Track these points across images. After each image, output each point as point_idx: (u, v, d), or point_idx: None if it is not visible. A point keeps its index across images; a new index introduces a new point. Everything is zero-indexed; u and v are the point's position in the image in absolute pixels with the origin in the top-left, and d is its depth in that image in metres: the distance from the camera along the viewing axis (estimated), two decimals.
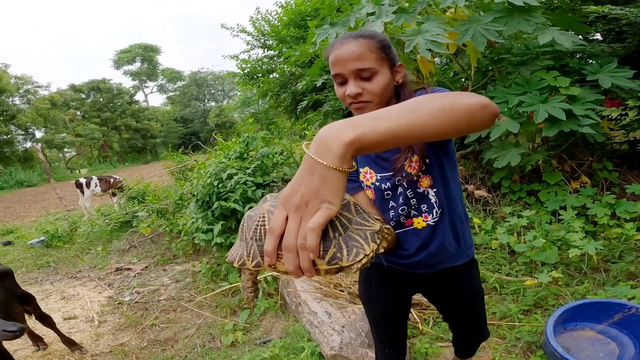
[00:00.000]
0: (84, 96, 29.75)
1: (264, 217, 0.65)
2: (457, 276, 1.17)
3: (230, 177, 3.04)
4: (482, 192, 3.01)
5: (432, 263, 1.11)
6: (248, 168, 3.15)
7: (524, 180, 3.30)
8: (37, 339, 2.61)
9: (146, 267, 4.07)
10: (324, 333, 1.98)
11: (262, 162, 3.31)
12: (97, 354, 2.55)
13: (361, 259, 0.60)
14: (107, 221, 5.39)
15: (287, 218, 0.57)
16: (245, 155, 3.42)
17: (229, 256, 0.74)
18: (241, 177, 3.00)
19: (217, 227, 2.83)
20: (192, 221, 2.98)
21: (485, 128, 0.68)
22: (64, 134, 26.61)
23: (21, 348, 2.65)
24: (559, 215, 2.79)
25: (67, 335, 2.58)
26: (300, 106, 6.24)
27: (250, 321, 2.60)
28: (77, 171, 24.47)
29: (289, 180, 3.14)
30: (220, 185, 3.01)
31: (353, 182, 1.11)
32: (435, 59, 4.23)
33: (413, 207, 1.06)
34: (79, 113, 29.43)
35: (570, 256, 2.35)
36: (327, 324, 1.99)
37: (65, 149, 28.82)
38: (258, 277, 0.81)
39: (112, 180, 8.17)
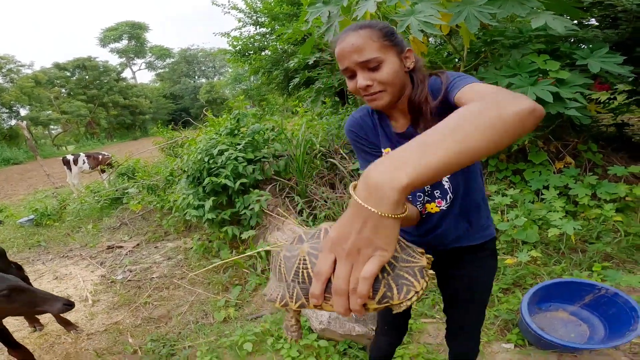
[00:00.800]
0: (68, 74, 29.22)
1: (305, 259, 0.64)
2: (464, 258, 1.15)
3: (221, 153, 3.04)
4: None
5: (441, 243, 1.12)
6: (239, 144, 3.16)
7: (510, 159, 3.37)
8: (33, 320, 2.63)
9: (138, 244, 4.10)
10: (316, 316, 2.06)
11: (253, 139, 3.31)
12: (92, 333, 2.60)
13: (411, 297, 0.61)
14: (96, 198, 5.37)
15: (334, 261, 0.56)
16: (236, 132, 3.41)
17: (267, 295, 0.74)
18: (232, 153, 3.00)
19: (208, 203, 2.86)
20: (183, 197, 2.99)
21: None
22: (49, 112, 26.25)
23: (18, 330, 2.68)
24: (542, 194, 2.88)
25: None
26: (292, 83, 6.17)
27: (242, 297, 2.68)
28: (64, 148, 24.04)
29: (281, 156, 3.12)
30: (211, 161, 3.01)
31: (374, 157, 1.08)
32: (430, 39, 4.19)
33: (427, 194, 1.07)
34: (63, 91, 28.91)
35: (549, 235, 2.45)
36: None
37: (51, 126, 28.36)
38: (299, 315, 0.82)
39: (100, 156, 8.04)
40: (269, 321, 2.26)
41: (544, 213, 2.65)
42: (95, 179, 7.79)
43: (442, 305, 2.22)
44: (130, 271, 3.54)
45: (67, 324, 2.58)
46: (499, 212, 2.69)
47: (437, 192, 1.07)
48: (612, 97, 4.24)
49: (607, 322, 1.89)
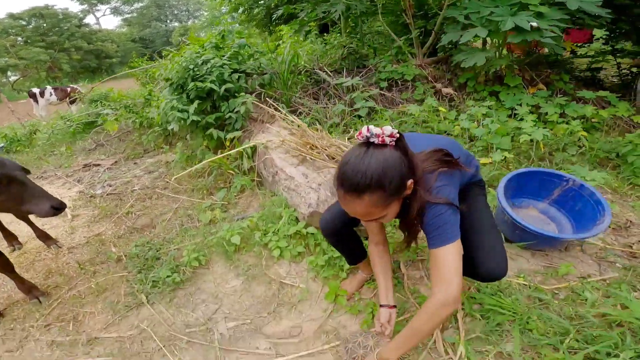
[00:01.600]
0: (24, 23, 27.16)
1: None
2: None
3: (205, 62, 2.97)
4: (448, 90, 3.19)
5: None
6: (224, 56, 3.09)
7: (487, 83, 3.50)
8: (11, 239, 2.55)
9: (116, 162, 4.03)
10: (301, 194, 2.14)
11: (238, 52, 3.24)
12: (73, 246, 2.57)
13: None
14: (68, 123, 5.15)
15: None
16: (221, 46, 3.32)
17: None
18: (217, 61, 2.95)
19: (193, 107, 2.82)
20: (166, 102, 2.94)
21: None
22: (6, 58, 24.57)
23: None
24: (516, 112, 3.04)
25: (42, 229, 2.54)
26: (275, 15, 5.95)
27: (228, 199, 2.74)
28: (25, 93, 22.59)
29: (265, 73, 3.06)
30: (195, 69, 2.95)
31: None
32: None
33: None
34: (20, 39, 27.07)
35: (520, 141, 2.62)
36: (304, 185, 2.15)
37: (9, 72, 26.58)
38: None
39: (68, 88, 7.65)
40: (256, 217, 2.31)
41: (517, 124, 2.81)
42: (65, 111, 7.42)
43: None
44: (110, 185, 3.49)
45: (47, 239, 2.52)
46: (475, 122, 2.83)
47: None
48: (588, 43, 4.42)
49: (574, 220, 2.03)
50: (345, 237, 1.59)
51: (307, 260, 1.99)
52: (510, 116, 3.15)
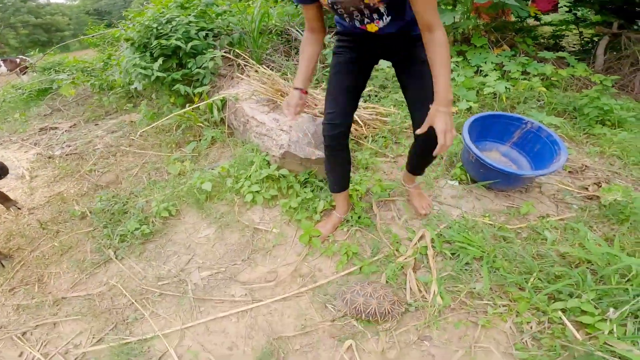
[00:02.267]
0: None
1: None
2: (412, 42, 1.36)
3: (170, 20, 2.81)
4: None
5: (388, 52, 1.44)
6: (190, 15, 2.94)
7: (455, 44, 3.57)
8: None
9: (74, 124, 3.81)
10: (272, 137, 2.12)
11: (205, 11, 3.10)
12: (33, 207, 2.46)
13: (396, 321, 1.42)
14: (20, 91, 4.79)
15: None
16: (186, 5, 3.15)
17: (340, 309, 1.49)
18: (183, 19, 2.80)
19: (157, 63, 2.69)
20: (128, 59, 2.78)
21: None
22: None
23: None
24: (481, 70, 3.12)
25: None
26: None
27: (198, 151, 2.67)
28: None
29: (235, 33, 2.93)
30: (159, 28, 2.78)
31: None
32: None
33: (366, 16, 1.27)
34: None
35: (484, 93, 2.71)
36: (275, 129, 2.13)
37: None
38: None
39: (18, 59, 7.15)
40: (227, 165, 2.27)
41: (482, 80, 2.90)
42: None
43: (394, 147, 2.45)
44: (69, 146, 3.32)
45: (6, 200, 2.41)
46: None
47: (375, 15, 1.27)
48: (553, 11, 4.56)
49: (534, 161, 2.14)
50: (344, 150, 1.59)
51: (281, 203, 1.99)
52: (476, 73, 3.24)
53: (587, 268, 1.51)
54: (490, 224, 1.80)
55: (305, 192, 1.96)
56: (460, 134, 2.12)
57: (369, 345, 1.37)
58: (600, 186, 2.07)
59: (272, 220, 1.98)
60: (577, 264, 1.56)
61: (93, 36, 5.32)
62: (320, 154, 1.99)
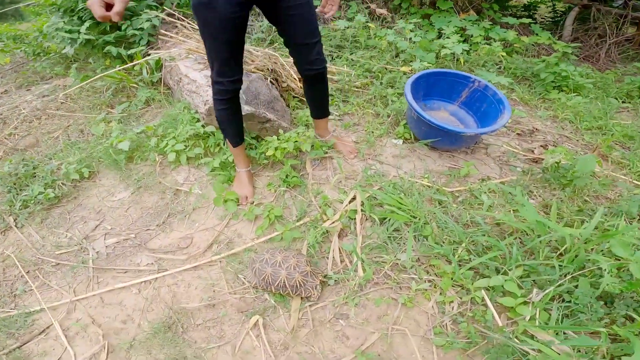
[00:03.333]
0: None
1: (267, 277, 1.26)
2: None
3: None
4: (382, 11, 3.05)
5: None
6: None
7: (422, 7, 3.40)
8: None
9: (5, 90, 3.45)
10: (200, 93, 1.93)
11: None
12: None
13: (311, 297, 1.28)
14: None
15: None
16: None
17: (248, 279, 1.35)
18: None
19: (84, 26, 2.42)
20: (50, 24, 2.50)
21: None
22: None
23: None
24: (443, 33, 2.96)
25: None
26: None
27: (129, 111, 2.43)
28: None
29: (182, 2, 2.60)
30: None
31: None
32: None
33: None
34: None
35: (442, 54, 2.56)
36: (204, 85, 1.94)
37: None
38: None
39: None
40: (156, 125, 2.06)
41: (442, 42, 2.74)
42: None
43: (340, 104, 2.28)
44: None
45: None
46: (404, 39, 2.71)
47: None
48: None
49: (480, 121, 2.05)
50: (237, 104, 1.52)
51: (204, 162, 1.80)
52: (439, 38, 3.08)
53: (519, 239, 1.39)
54: (429, 186, 1.67)
55: (228, 150, 1.77)
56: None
57: (279, 322, 1.23)
58: (547, 148, 1.98)
59: (198, 180, 1.80)
60: (510, 233, 1.45)
61: (28, 5, 4.84)
62: (249, 109, 1.80)
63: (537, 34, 3.28)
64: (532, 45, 3.28)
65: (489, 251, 1.34)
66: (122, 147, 1.85)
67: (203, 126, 1.90)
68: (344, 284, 1.32)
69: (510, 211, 1.54)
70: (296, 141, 1.68)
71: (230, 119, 1.55)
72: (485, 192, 1.61)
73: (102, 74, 2.50)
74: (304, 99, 2.25)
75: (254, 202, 1.63)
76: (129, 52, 2.55)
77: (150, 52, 2.60)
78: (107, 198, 1.77)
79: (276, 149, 1.66)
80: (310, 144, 1.71)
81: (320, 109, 1.74)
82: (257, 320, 1.22)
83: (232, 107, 1.51)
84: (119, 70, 2.50)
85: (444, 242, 1.40)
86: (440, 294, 1.26)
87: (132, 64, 2.50)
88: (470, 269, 1.27)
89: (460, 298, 1.24)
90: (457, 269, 1.27)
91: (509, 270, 1.25)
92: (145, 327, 1.23)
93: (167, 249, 1.50)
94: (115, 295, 1.34)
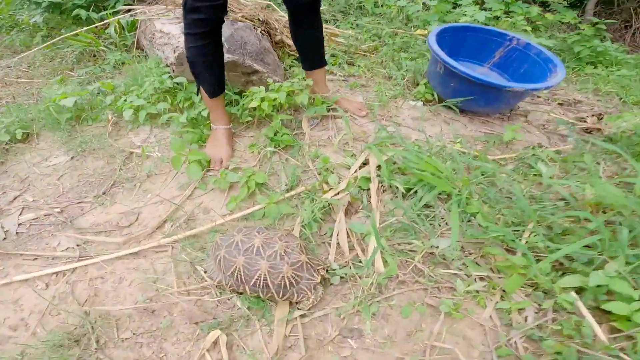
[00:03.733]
0: None
1: (240, 268, 0.82)
2: None
3: None
4: None
5: None
6: None
7: None
8: None
9: None
10: (172, 44, 1.55)
11: None
12: None
13: (305, 302, 0.85)
14: None
15: None
16: None
17: (209, 274, 0.91)
18: None
19: None
20: None
21: None
22: None
23: None
24: (460, 4, 2.63)
25: None
26: None
27: (95, 75, 2.04)
28: None
29: None
30: None
31: None
32: None
33: None
34: None
35: (461, 21, 2.21)
36: (176, 36, 1.55)
37: None
38: None
39: None
40: (119, 82, 1.69)
41: (460, 11, 2.40)
42: None
43: (345, 66, 1.88)
44: None
45: None
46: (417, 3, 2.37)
47: None
48: None
49: (515, 81, 1.67)
50: (218, 42, 1.17)
51: (168, 118, 1.40)
52: (454, 8, 2.75)
53: (607, 222, 0.94)
54: (463, 152, 1.28)
55: (202, 104, 1.36)
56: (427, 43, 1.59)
57: (253, 341, 0.81)
58: (602, 118, 1.60)
59: (160, 142, 1.39)
60: (590, 212, 1.01)
61: None
62: (231, 57, 1.41)
63: (560, 13, 2.97)
64: (558, 23, 2.95)
65: (567, 238, 0.92)
66: (66, 104, 1.44)
67: (171, 77, 1.50)
68: (354, 283, 0.90)
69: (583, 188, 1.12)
70: (290, 92, 1.28)
71: (208, 59, 1.17)
72: (542, 160, 1.21)
73: (64, 35, 2.13)
74: None
75: (229, 166, 1.22)
76: (101, 14, 2.21)
77: (131, 14, 2.26)
78: (40, 164, 1.36)
79: (262, 99, 1.26)
80: (308, 98, 1.31)
81: (315, 56, 1.38)
82: (218, 336, 0.79)
83: (211, 43, 1.14)
84: (85, 32, 2.13)
85: (499, 223, 0.98)
86: (502, 298, 0.85)
87: (101, 23, 2.15)
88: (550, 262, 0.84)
89: (538, 304, 0.82)
90: (532, 261, 0.84)
91: (610, 259, 0.83)
92: (42, 337, 0.80)
93: (99, 228, 1.08)
94: (13, 290, 0.91)
